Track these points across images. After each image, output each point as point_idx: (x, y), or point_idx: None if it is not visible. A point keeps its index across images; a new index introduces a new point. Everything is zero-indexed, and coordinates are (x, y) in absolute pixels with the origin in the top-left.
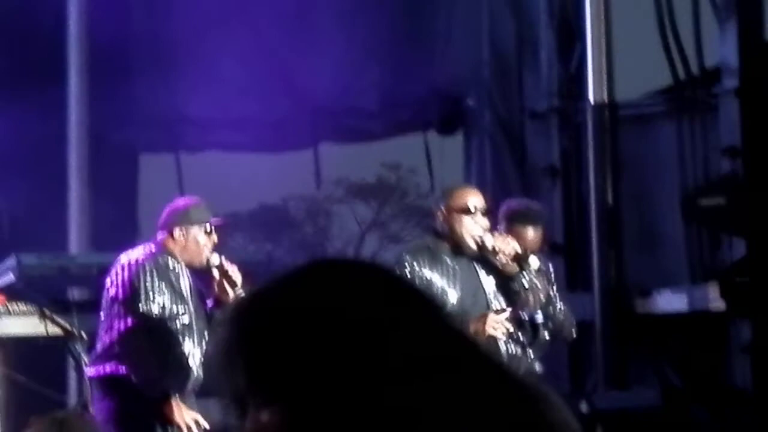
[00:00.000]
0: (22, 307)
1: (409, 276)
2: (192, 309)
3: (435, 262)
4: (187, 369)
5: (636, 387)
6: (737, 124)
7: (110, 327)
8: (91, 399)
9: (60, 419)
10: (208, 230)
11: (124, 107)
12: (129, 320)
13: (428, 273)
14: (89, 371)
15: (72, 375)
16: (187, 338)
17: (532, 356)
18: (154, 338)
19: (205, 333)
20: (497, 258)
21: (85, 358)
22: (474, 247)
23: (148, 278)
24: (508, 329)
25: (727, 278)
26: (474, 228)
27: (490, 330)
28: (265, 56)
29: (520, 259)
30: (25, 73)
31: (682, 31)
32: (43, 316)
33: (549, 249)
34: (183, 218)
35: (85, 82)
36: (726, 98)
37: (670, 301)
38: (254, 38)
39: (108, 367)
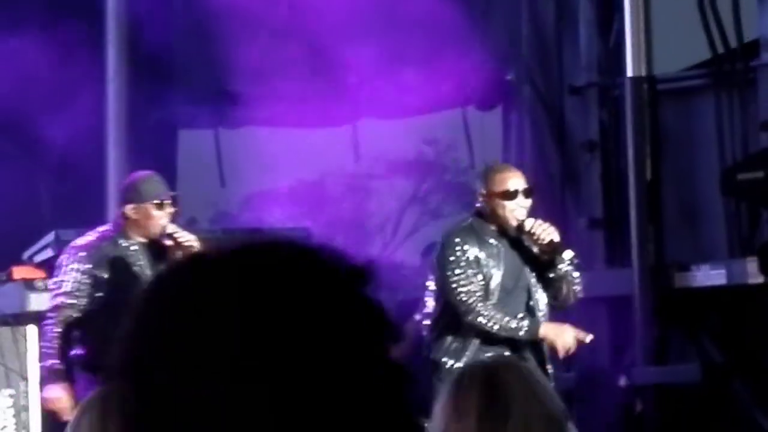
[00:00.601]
0: None
1: (457, 256)
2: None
3: (481, 242)
4: None
5: (675, 362)
6: None
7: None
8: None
9: (101, 397)
10: (161, 204)
11: (164, 83)
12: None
13: (477, 252)
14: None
15: None
16: None
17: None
18: (106, 321)
19: None
20: (535, 243)
21: None
22: (515, 228)
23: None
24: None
25: (766, 253)
26: (517, 210)
27: (559, 345)
28: (303, 32)
29: (555, 249)
30: (66, 50)
31: (721, 4)
32: None
33: (588, 224)
34: (134, 195)
35: (123, 57)
36: (765, 72)
37: (709, 276)
38: (293, 14)
39: (75, 350)
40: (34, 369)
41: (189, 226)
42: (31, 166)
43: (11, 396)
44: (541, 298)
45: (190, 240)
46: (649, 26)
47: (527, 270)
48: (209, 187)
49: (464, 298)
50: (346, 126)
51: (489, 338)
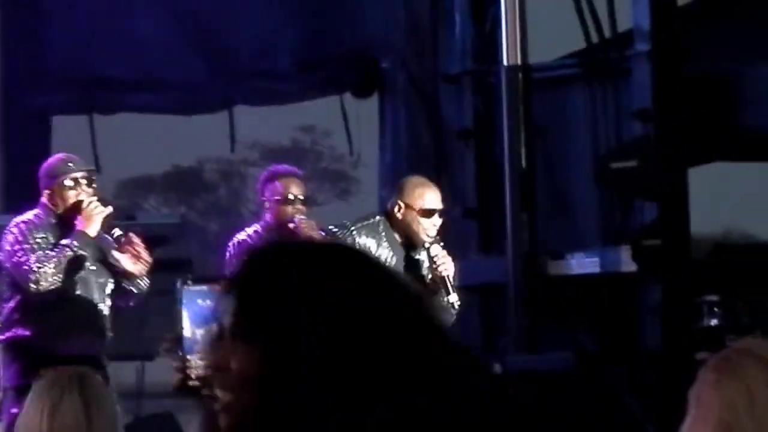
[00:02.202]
0: None
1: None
2: (89, 265)
3: (379, 244)
4: (90, 327)
5: (549, 349)
6: (649, 87)
7: (10, 296)
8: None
9: (80, 374)
10: (72, 183)
11: (36, 69)
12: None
13: (365, 245)
14: None
15: None
16: (87, 294)
17: None
18: (52, 301)
19: (108, 287)
20: (432, 270)
21: None
22: (426, 243)
23: (30, 240)
24: None
25: (639, 241)
26: (430, 229)
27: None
28: (180, 17)
29: (445, 285)
30: None
31: None
32: None
33: (463, 213)
34: (47, 177)
35: None
36: (638, 61)
37: (582, 264)
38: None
39: (14, 332)
40: None
41: None
42: None
43: None
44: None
45: (141, 247)
46: (524, 15)
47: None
48: None
49: None
50: (221, 112)
51: None
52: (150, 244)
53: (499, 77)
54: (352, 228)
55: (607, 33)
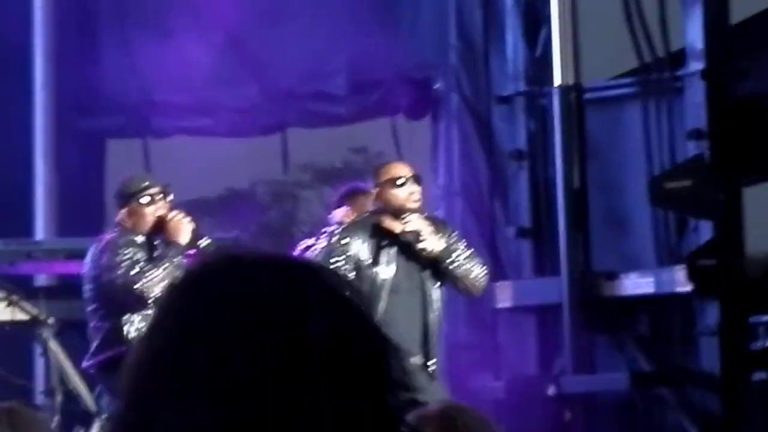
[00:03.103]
0: None
1: (339, 246)
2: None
3: (371, 237)
4: None
5: (603, 371)
6: (702, 106)
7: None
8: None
9: (8, 409)
10: (148, 201)
11: (92, 93)
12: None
13: (360, 247)
14: (89, 364)
15: (39, 361)
16: None
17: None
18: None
19: None
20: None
21: (51, 344)
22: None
23: (110, 261)
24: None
25: (694, 261)
26: (412, 196)
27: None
28: (233, 42)
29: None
30: None
31: (648, 13)
32: (9, 302)
33: (516, 233)
34: (121, 196)
35: (51, 67)
36: (691, 81)
37: (637, 285)
38: (222, 24)
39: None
40: None
41: None
42: None
43: None
44: (435, 298)
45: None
46: (576, 35)
47: (420, 268)
48: None
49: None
50: (275, 135)
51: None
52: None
53: (552, 98)
54: (344, 231)
55: (660, 52)
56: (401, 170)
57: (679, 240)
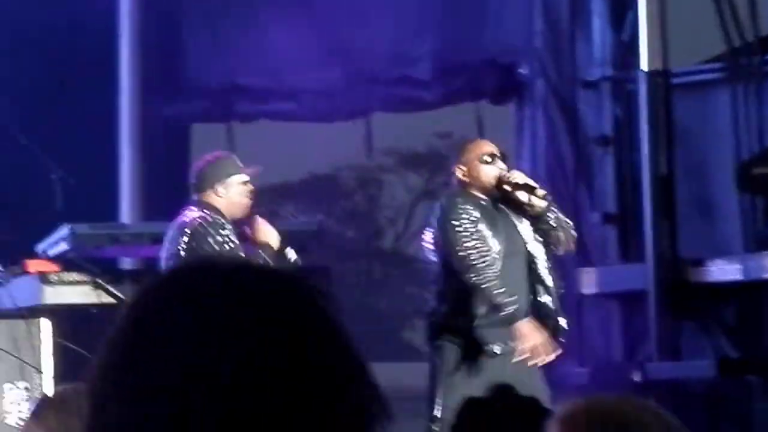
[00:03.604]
0: (75, 276)
1: (461, 215)
2: None
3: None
4: None
5: (689, 357)
6: None
7: None
8: None
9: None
10: (243, 182)
11: (176, 78)
12: None
13: (478, 215)
14: None
15: None
16: None
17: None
18: None
19: None
20: (517, 193)
21: None
22: (494, 188)
23: (205, 241)
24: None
25: None
26: (491, 172)
27: (526, 347)
28: (318, 26)
29: (527, 189)
30: (77, 45)
31: None
32: (95, 285)
33: (602, 219)
34: (215, 175)
35: (136, 53)
36: None
37: (724, 271)
38: (307, 8)
39: None
40: (48, 362)
41: None
42: (45, 160)
43: (26, 389)
44: (543, 267)
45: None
46: (664, 19)
47: (522, 231)
48: None
49: (464, 254)
50: (358, 119)
51: (494, 311)
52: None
53: (639, 83)
54: (458, 200)
55: (749, 37)
56: (489, 147)
57: (767, 226)
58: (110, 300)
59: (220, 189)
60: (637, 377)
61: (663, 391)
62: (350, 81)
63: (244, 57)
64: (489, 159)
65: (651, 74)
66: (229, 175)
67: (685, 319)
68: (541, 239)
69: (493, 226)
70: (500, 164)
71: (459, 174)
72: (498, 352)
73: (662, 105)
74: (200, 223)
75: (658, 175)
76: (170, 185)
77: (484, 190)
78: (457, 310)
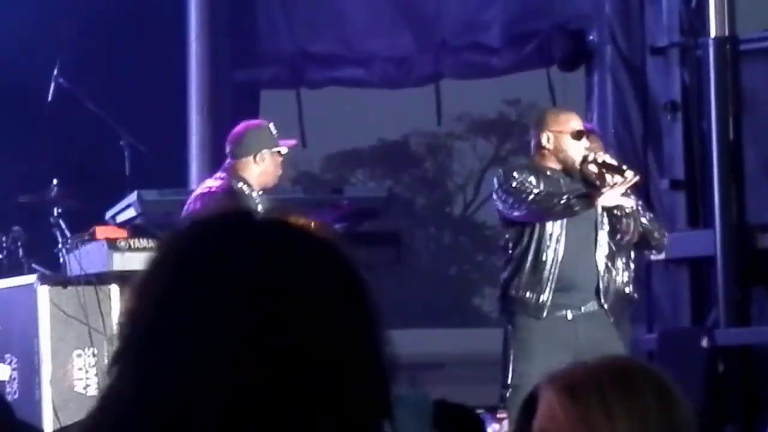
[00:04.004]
0: (144, 242)
1: (516, 177)
2: None
3: (540, 175)
4: None
5: (758, 323)
6: None
7: None
8: None
9: None
10: (275, 153)
11: (246, 44)
12: None
13: (535, 180)
14: None
15: None
16: None
17: (627, 278)
18: None
19: None
20: (606, 174)
21: None
22: (578, 165)
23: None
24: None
25: None
26: (579, 149)
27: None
28: None
29: (612, 169)
30: (146, 11)
31: None
32: None
33: (670, 185)
34: (249, 143)
35: (205, 19)
36: None
37: None
38: None
39: None
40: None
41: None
42: (113, 126)
43: (94, 355)
44: (603, 235)
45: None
46: None
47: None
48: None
49: (517, 186)
50: (428, 86)
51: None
52: (358, 217)
53: (707, 49)
54: (514, 169)
55: None
56: (580, 123)
57: None
58: None
59: (254, 159)
60: (705, 343)
61: (731, 356)
62: (420, 47)
63: (313, 23)
64: (579, 135)
65: (719, 40)
66: (265, 147)
67: (754, 285)
68: (608, 225)
69: (556, 189)
70: (587, 143)
71: (544, 141)
72: (569, 318)
73: (730, 71)
74: (222, 190)
75: (725, 141)
76: None
77: (565, 164)
78: (526, 277)
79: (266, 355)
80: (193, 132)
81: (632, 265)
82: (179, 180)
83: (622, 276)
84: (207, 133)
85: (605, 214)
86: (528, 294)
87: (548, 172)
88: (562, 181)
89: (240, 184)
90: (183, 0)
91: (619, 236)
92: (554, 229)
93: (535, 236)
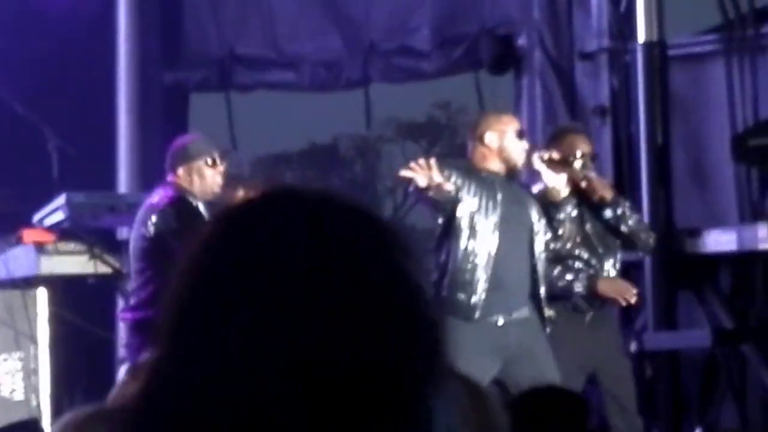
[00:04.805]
0: (72, 245)
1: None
2: None
3: (477, 177)
4: None
5: (685, 327)
6: None
7: (148, 279)
8: (124, 341)
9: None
10: (211, 163)
11: (175, 47)
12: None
13: (461, 182)
14: (125, 316)
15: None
16: None
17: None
18: None
19: None
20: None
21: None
22: (519, 165)
23: (174, 222)
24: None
25: None
26: (521, 149)
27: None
28: None
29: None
30: (73, 12)
31: None
32: (92, 255)
33: None
34: (184, 156)
35: (134, 21)
36: None
37: (719, 242)
38: None
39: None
40: (43, 332)
41: None
42: (42, 129)
43: (20, 359)
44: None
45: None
46: None
47: (529, 206)
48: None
49: None
50: (357, 89)
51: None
52: None
53: (636, 54)
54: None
55: (744, 9)
56: (518, 124)
57: (762, 197)
58: (106, 269)
59: (187, 170)
60: (633, 347)
61: (659, 360)
62: (349, 51)
63: (242, 26)
64: (521, 135)
65: (647, 46)
66: (196, 157)
67: (681, 289)
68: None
69: (488, 192)
70: (525, 144)
71: (488, 140)
72: (500, 324)
73: (658, 76)
74: (167, 203)
75: (654, 146)
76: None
77: (508, 163)
78: (458, 277)
79: (322, 342)
80: (121, 135)
81: (618, 266)
82: (107, 183)
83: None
84: (136, 136)
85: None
86: (459, 295)
87: (483, 174)
88: (496, 183)
89: (183, 197)
90: (111, 0)
91: (559, 244)
92: (486, 230)
93: (467, 237)
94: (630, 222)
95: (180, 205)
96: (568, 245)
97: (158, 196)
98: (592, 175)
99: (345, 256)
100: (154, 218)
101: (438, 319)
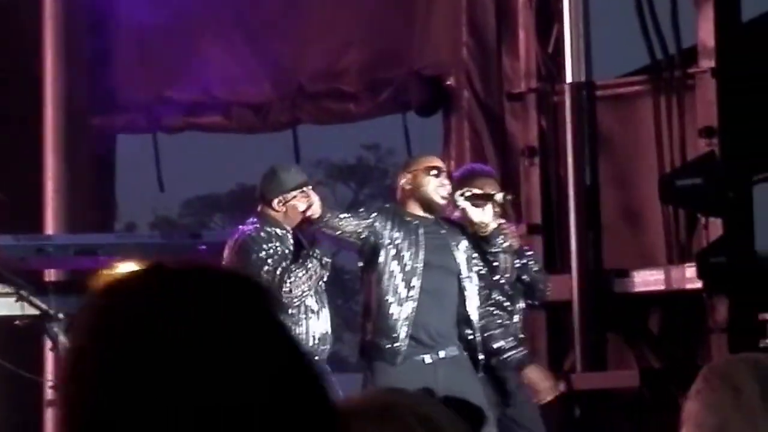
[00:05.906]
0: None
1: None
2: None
3: (400, 221)
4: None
5: (614, 368)
6: (714, 104)
7: None
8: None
9: None
10: (306, 194)
11: (102, 89)
12: None
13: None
14: None
15: (49, 356)
16: (309, 302)
17: (515, 319)
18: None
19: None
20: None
21: (61, 339)
22: (438, 203)
23: (251, 254)
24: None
25: (704, 258)
26: (441, 189)
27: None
28: (245, 37)
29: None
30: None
31: (660, 10)
32: (19, 297)
33: (528, 230)
34: (278, 187)
35: (62, 64)
36: (703, 79)
37: (647, 282)
38: (235, 21)
39: None
40: None
41: (128, 231)
42: None
43: None
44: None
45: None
46: (588, 32)
47: (455, 246)
48: (148, 192)
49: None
50: (286, 131)
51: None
52: (216, 262)
53: (564, 95)
54: (373, 212)
55: (671, 49)
56: (438, 162)
57: (690, 237)
58: (34, 312)
59: (274, 202)
60: (561, 387)
61: (587, 401)
62: (278, 93)
63: (171, 69)
64: (436, 172)
65: (575, 86)
66: (283, 190)
67: (610, 329)
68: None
69: (413, 239)
70: (446, 182)
71: (402, 181)
72: (428, 362)
73: (587, 117)
74: (249, 235)
75: (583, 186)
76: (95, 196)
77: (422, 201)
78: (380, 323)
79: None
80: (48, 176)
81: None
82: (34, 225)
83: (478, 343)
84: (63, 178)
85: (476, 260)
86: (382, 341)
87: (407, 218)
88: (421, 227)
89: (267, 228)
90: (39, 41)
91: (498, 276)
92: (408, 275)
93: (388, 282)
94: (533, 272)
95: (258, 236)
96: (507, 275)
97: (244, 227)
98: (503, 222)
99: (220, 322)
100: (236, 248)
101: (319, 378)
